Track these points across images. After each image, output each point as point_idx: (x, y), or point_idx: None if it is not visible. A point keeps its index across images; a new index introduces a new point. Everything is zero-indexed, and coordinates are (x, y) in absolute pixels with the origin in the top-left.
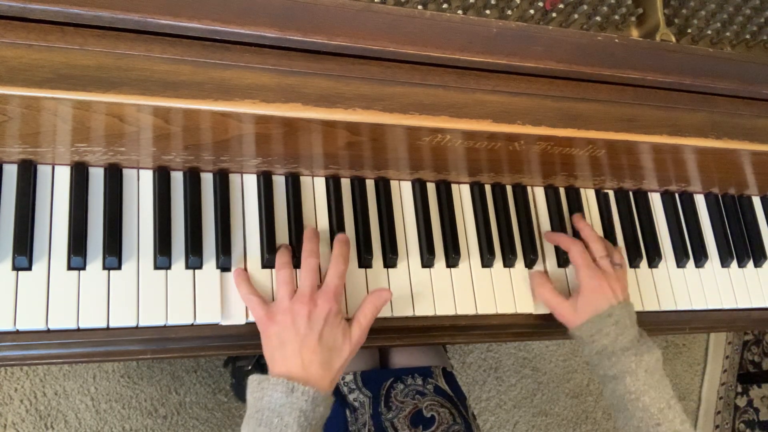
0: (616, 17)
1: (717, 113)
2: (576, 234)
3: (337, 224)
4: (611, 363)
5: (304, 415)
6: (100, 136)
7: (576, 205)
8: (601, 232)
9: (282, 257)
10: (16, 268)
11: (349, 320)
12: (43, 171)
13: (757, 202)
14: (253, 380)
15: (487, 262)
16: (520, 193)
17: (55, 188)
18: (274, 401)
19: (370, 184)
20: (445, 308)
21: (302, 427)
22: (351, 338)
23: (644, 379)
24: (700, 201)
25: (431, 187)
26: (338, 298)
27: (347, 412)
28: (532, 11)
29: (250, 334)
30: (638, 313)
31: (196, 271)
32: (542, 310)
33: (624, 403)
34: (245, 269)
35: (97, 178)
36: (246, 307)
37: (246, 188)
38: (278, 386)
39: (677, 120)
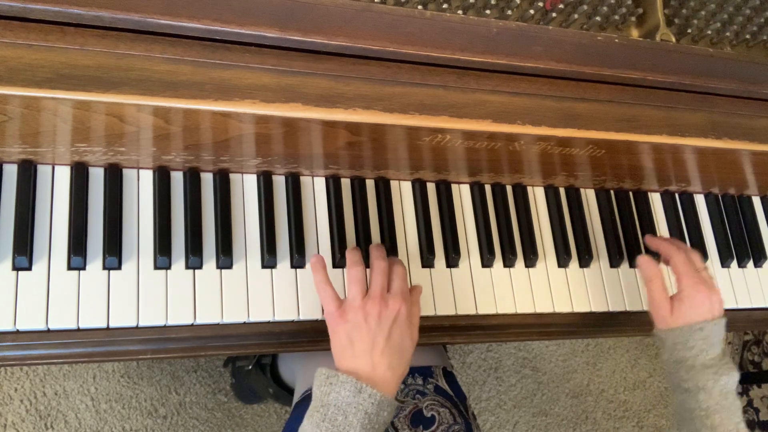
0: (616, 17)
1: (717, 113)
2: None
3: (337, 224)
4: (689, 376)
5: (369, 418)
6: (100, 136)
7: (576, 205)
8: (601, 233)
9: (353, 255)
10: (16, 268)
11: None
12: (43, 171)
13: (757, 202)
14: (322, 373)
15: (487, 262)
16: (520, 193)
17: (55, 188)
18: (341, 399)
19: (370, 184)
20: (445, 308)
21: (365, 429)
22: (413, 340)
23: (717, 398)
24: (700, 201)
25: (431, 187)
26: (407, 300)
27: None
28: (532, 11)
29: (250, 333)
30: (638, 312)
31: (196, 271)
32: (542, 310)
33: (692, 417)
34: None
35: (97, 178)
36: (246, 307)
37: (246, 188)
38: (346, 384)
39: (677, 120)
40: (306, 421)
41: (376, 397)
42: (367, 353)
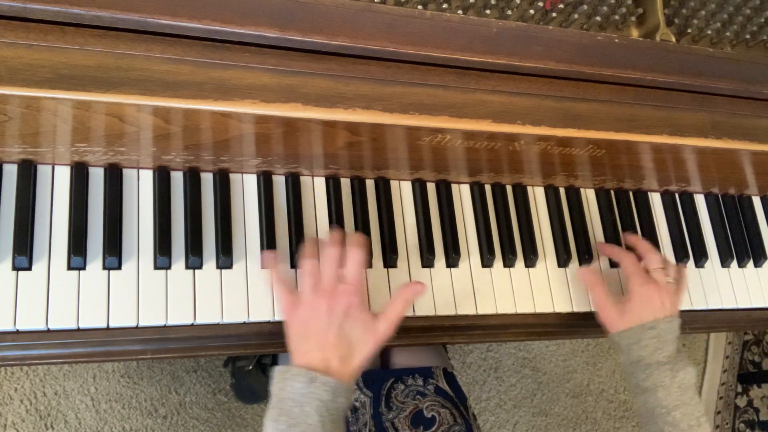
0: (616, 17)
1: (717, 113)
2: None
3: (337, 224)
4: (645, 375)
5: (324, 405)
6: (100, 136)
7: (576, 205)
8: (601, 233)
9: (308, 246)
10: (16, 268)
11: (376, 314)
12: (43, 171)
13: (757, 202)
14: (278, 371)
15: (487, 262)
16: (520, 193)
17: (55, 188)
18: (296, 391)
19: (370, 184)
20: (445, 308)
21: (322, 416)
22: (375, 332)
23: (677, 394)
24: (700, 201)
25: (431, 187)
26: (360, 289)
27: (348, 413)
28: (532, 11)
29: (250, 333)
30: None
31: (196, 271)
32: (542, 310)
33: (654, 416)
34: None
35: (97, 178)
36: (246, 307)
37: (246, 188)
38: (299, 377)
39: (677, 120)
40: (266, 419)
41: (329, 384)
42: (318, 347)
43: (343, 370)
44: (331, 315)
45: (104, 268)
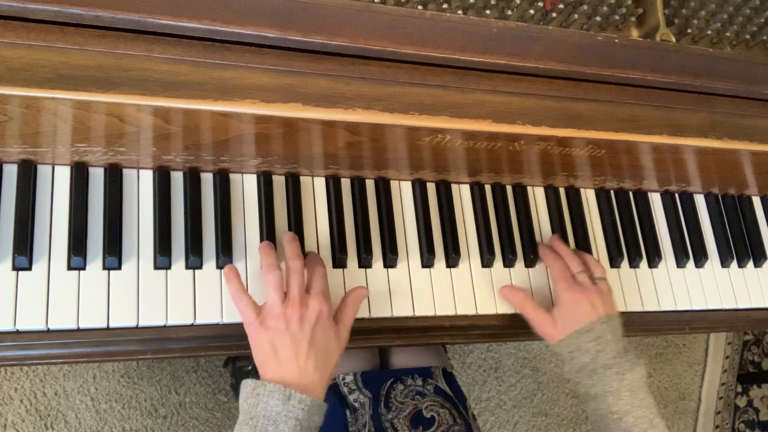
0: (616, 17)
1: (717, 113)
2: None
3: (337, 224)
4: (593, 381)
5: (300, 424)
6: (100, 136)
7: (576, 205)
8: (601, 233)
9: (268, 257)
10: (16, 268)
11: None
12: (43, 171)
13: (757, 202)
14: (248, 385)
15: (487, 262)
16: (520, 193)
17: (55, 188)
18: (270, 408)
19: (370, 184)
20: (445, 308)
21: None
22: (340, 339)
23: (627, 398)
24: (700, 201)
25: (431, 187)
26: (327, 299)
27: (347, 413)
28: (532, 11)
29: None
30: (638, 313)
31: (196, 271)
32: None
33: (606, 422)
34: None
35: (97, 178)
36: None
37: (246, 188)
38: (274, 393)
39: (677, 120)
40: None
41: (306, 402)
42: (293, 359)
43: (319, 380)
44: (303, 325)
45: (104, 268)
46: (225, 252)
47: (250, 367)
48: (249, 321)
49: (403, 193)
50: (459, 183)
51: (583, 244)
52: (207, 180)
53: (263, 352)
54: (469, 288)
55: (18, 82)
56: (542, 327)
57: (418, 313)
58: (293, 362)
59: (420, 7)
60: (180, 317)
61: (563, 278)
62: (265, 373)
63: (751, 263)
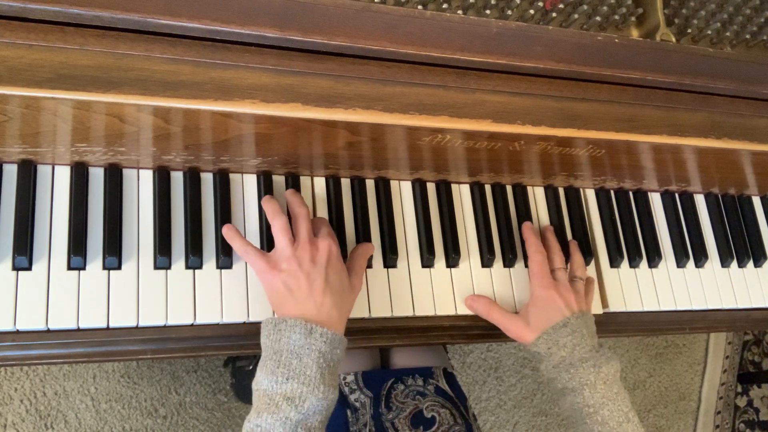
0: (616, 17)
1: (717, 113)
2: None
3: (336, 224)
4: (570, 375)
5: (323, 357)
6: (100, 136)
7: (576, 205)
8: (601, 233)
9: (272, 205)
10: (16, 268)
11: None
12: (43, 171)
13: (757, 202)
14: (269, 322)
15: (487, 262)
16: (520, 193)
17: (55, 188)
18: (293, 342)
19: (370, 184)
20: (445, 308)
21: (321, 368)
22: (353, 284)
23: (603, 391)
24: (700, 201)
25: (431, 187)
26: (335, 240)
27: (348, 413)
28: (532, 11)
29: (250, 333)
30: (638, 313)
31: (196, 271)
32: None
33: (582, 416)
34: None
35: (97, 178)
36: (246, 307)
37: (246, 188)
38: (296, 327)
39: (677, 120)
40: (259, 372)
41: (327, 335)
42: (309, 296)
43: (337, 316)
44: (316, 264)
45: (104, 268)
46: (225, 252)
47: (250, 367)
48: (261, 268)
49: (403, 193)
50: (459, 183)
51: (583, 244)
52: (207, 180)
53: (279, 294)
54: (469, 288)
55: (18, 82)
56: (514, 329)
57: (418, 313)
58: (310, 300)
59: (420, 7)
60: (180, 317)
61: (540, 274)
62: (284, 312)
63: (751, 263)
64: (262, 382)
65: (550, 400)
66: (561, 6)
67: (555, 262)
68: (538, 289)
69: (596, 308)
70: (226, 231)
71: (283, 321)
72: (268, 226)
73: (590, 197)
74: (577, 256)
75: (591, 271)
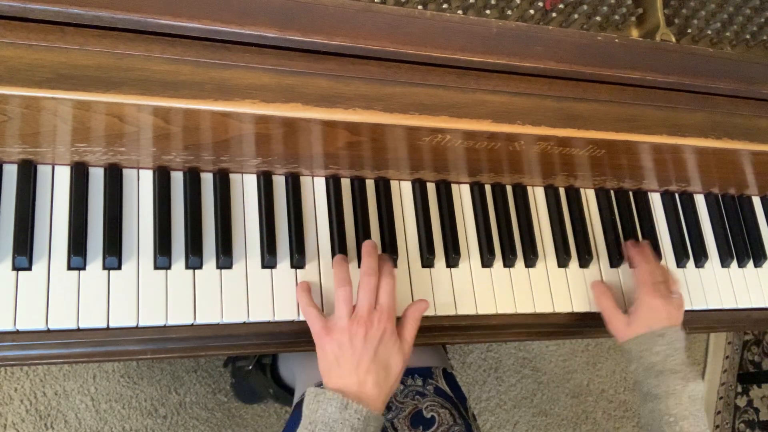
0: (616, 17)
1: (717, 113)
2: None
3: (337, 224)
4: (657, 382)
5: None
6: (100, 136)
7: (576, 205)
8: (601, 233)
9: (341, 272)
10: (16, 268)
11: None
12: (43, 171)
13: (757, 202)
14: (311, 392)
15: (487, 262)
16: (520, 193)
17: (55, 188)
18: (328, 415)
19: (370, 184)
20: (445, 308)
21: None
22: (403, 355)
23: (686, 404)
24: (700, 201)
25: (431, 187)
26: (392, 317)
27: None
28: (532, 11)
29: (250, 333)
30: None
31: (196, 271)
32: (542, 310)
33: (660, 424)
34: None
35: (97, 178)
36: (246, 307)
37: (246, 188)
38: (333, 401)
39: (677, 120)
40: None
41: (362, 412)
42: (353, 372)
43: (378, 394)
44: (367, 341)
45: (104, 268)
46: (225, 252)
47: (250, 367)
48: (316, 331)
49: (403, 193)
50: (459, 183)
51: (584, 244)
52: (207, 180)
53: (327, 361)
54: (469, 288)
55: (18, 82)
56: (615, 323)
57: None
58: (353, 375)
59: (420, 7)
60: (180, 317)
61: (647, 283)
62: (328, 381)
63: (751, 263)
64: None
65: (550, 400)
66: (561, 6)
67: (657, 275)
68: (646, 296)
69: (596, 308)
70: (299, 289)
71: (322, 393)
72: (268, 227)
73: (590, 197)
74: (666, 270)
75: (591, 271)
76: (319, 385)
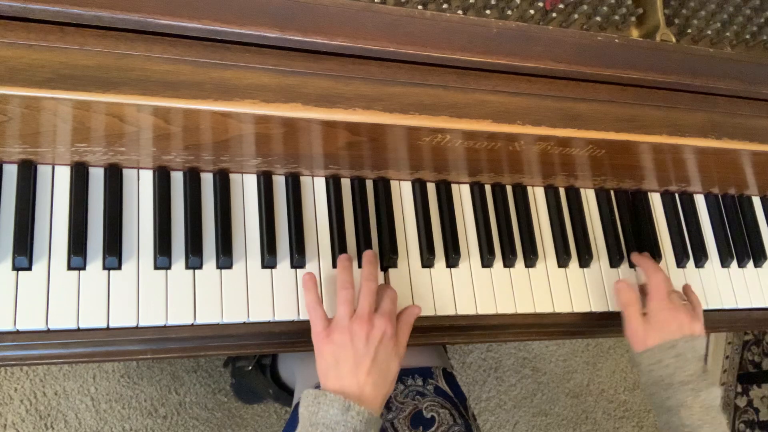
0: (616, 17)
1: (717, 113)
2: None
3: (337, 224)
4: (668, 394)
5: None
6: (100, 136)
7: (576, 205)
8: (601, 233)
9: (345, 274)
10: (16, 268)
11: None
12: (43, 171)
13: (757, 202)
14: (309, 394)
15: (487, 262)
16: (520, 193)
17: (55, 188)
18: (330, 417)
19: (370, 184)
20: (445, 308)
21: None
22: (399, 359)
23: (699, 414)
24: (700, 201)
25: (431, 187)
26: (393, 320)
27: None
28: (532, 11)
29: (250, 333)
30: None
31: (196, 271)
32: (542, 310)
33: None
34: (315, 275)
35: (97, 178)
36: (246, 307)
37: (246, 188)
38: (335, 403)
39: (677, 120)
40: None
41: (364, 414)
42: (353, 373)
43: (376, 395)
44: (368, 343)
45: (104, 268)
46: (225, 252)
47: (250, 367)
48: (316, 331)
49: (403, 193)
50: (459, 183)
51: (584, 244)
52: (207, 180)
53: (326, 362)
54: (469, 288)
55: (18, 82)
56: (637, 333)
57: None
58: (353, 376)
59: (420, 7)
60: (180, 317)
61: (659, 294)
62: (326, 383)
63: (751, 263)
64: None
65: (550, 400)
66: (561, 6)
67: (668, 284)
68: (657, 309)
69: (596, 308)
70: (306, 281)
71: (323, 395)
72: (268, 227)
73: (590, 197)
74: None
75: (591, 271)
76: (317, 387)
